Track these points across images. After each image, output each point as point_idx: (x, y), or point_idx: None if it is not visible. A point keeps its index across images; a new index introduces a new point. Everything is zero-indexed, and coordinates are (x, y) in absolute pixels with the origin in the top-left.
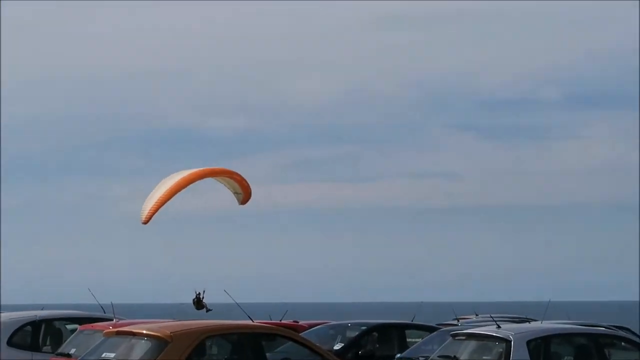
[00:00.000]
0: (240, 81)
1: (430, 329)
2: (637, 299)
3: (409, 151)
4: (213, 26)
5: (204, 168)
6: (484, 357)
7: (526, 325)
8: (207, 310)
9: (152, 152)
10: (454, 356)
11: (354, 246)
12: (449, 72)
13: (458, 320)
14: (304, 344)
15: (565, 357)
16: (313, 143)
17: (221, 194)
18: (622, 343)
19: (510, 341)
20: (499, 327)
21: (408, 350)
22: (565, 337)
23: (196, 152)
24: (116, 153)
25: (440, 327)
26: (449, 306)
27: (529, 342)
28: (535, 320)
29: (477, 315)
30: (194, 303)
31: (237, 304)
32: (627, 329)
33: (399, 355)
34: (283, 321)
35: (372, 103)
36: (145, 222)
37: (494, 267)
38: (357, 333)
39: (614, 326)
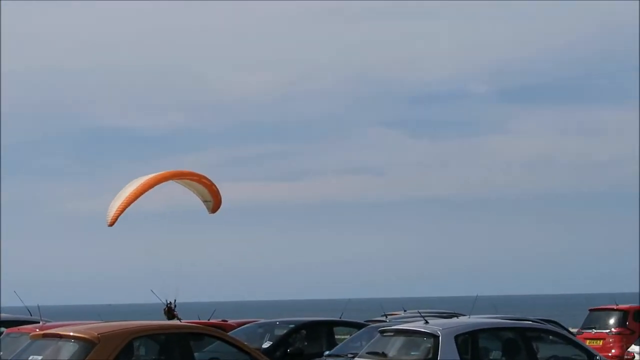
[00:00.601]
0: (174, 79)
1: (358, 326)
2: (558, 292)
3: (340, 148)
4: (146, 22)
5: (170, 171)
6: (412, 353)
7: (454, 320)
8: (180, 320)
9: (84, 152)
10: (382, 352)
11: (283, 244)
12: (379, 68)
13: (386, 317)
14: (232, 343)
15: (494, 352)
16: (246, 141)
17: (159, 194)
18: (550, 337)
19: (438, 336)
20: (426, 322)
21: (336, 347)
22: (493, 331)
23: (129, 151)
24: (48, 152)
25: (369, 323)
26: (378, 302)
27: (456, 337)
28: (463, 315)
29: (405, 311)
30: (165, 313)
31: (164, 303)
32: (556, 323)
33: (327, 352)
34: (212, 320)
35: (305, 100)
36: (111, 224)
37: (423, 263)
38: (285, 331)
39: (542, 320)
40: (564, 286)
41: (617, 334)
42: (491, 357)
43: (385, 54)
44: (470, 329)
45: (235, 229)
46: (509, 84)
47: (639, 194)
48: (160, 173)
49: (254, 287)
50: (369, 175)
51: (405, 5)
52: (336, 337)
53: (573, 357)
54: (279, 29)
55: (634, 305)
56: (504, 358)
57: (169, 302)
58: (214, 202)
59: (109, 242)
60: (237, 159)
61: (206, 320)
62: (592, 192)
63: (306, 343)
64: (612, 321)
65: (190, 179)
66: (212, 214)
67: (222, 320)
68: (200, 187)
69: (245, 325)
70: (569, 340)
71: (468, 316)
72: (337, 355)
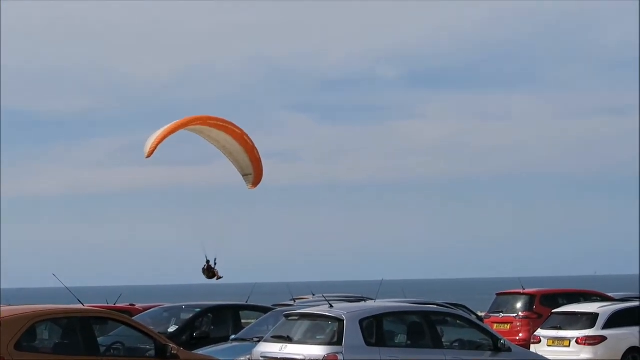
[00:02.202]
0: (78, 62)
1: (264, 310)
2: (467, 277)
3: (248, 131)
4: (50, 7)
5: (215, 117)
6: (318, 337)
7: (359, 304)
8: (218, 279)
9: None
10: (287, 336)
11: (192, 227)
12: (288, 52)
13: (294, 301)
14: (136, 327)
15: (399, 335)
16: (151, 124)
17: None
18: (458, 321)
19: (343, 320)
20: (331, 306)
21: (242, 331)
22: (397, 315)
23: (32, 134)
24: None
25: (276, 307)
26: (286, 287)
27: (361, 321)
28: (370, 300)
29: (314, 295)
30: (203, 272)
31: (67, 287)
32: (464, 307)
33: (233, 336)
34: (118, 304)
35: (212, 83)
36: (149, 156)
37: (332, 248)
38: (191, 315)
39: (450, 304)
40: (473, 270)
41: (524, 317)
42: (396, 341)
43: (294, 38)
44: (375, 313)
45: (141, 214)
46: (418, 68)
47: (544, 178)
48: (201, 116)
49: (159, 272)
50: (278, 160)
51: None
52: (243, 321)
53: (478, 341)
54: (185, 12)
55: (541, 289)
56: (408, 342)
57: (208, 259)
58: (255, 174)
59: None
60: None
61: (112, 305)
62: (499, 176)
63: (212, 327)
64: (519, 305)
65: (231, 131)
66: (252, 189)
67: (130, 305)
68: (242, 151)
69: (151, 310)
70: (474, 325)
71: (374, 300)
72: (243, 339)
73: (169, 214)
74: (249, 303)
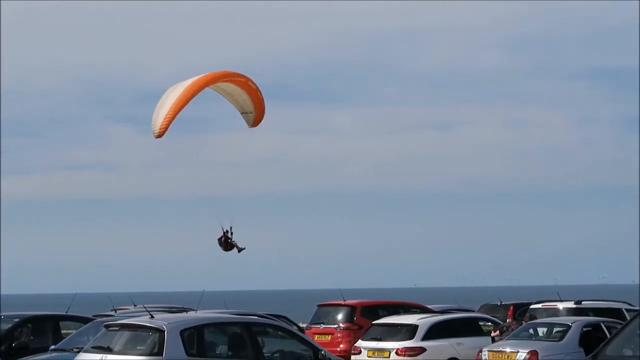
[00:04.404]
0: None
1: (85, 320)
2: (290, 288)
3: (69, 143)
4: None
5: (215, 72)
6: (138, 347)
7: (181, 315)
8: (240, 250)
9: None
10: (107, 347)
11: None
12: (108, 64)
13: (115, 311)
14: (294, 334)
15: (220, 346)
16: None
17: None
18: (278, 332)
19: (164, 331)
20: (152, 317)
21: (62, 341)
22: (218, 326)
23: None
24: None
25: (96, 318)
26: (107, 297)
27: (182, 332)
28: (192, 310)
29: (135, 305)
30: (220, 243)
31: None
32: (285, 318)
33: (53, 346)
34: None
35: (32, 96)
36: (160, 135)
37: (149, 260)
38: (10, 325)
39: (271, 315)
40: (294, 281)
41: (345, 329)
42: (217, 352)
43: (115, 52)
44: (196, 324)
45: None
46: None
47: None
48: (204, 75)
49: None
50: (99, 171)
51: (133, 6)
52: (63, 331)
53: (299, 352)
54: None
55: (362, 300)
56: (230, 352)
57: (225, 229)
58: (256, 113)
59: None
60: None
61: None
62: (327, 192)
63: (32, 337)
64: (340, 316)
65: (237, 81)
66: (253, 127)
67: None
68: (243, 93)
69: None
70: (294, 336)
71: (195, 311)
72: (63, 350)
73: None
74: (69, 313)
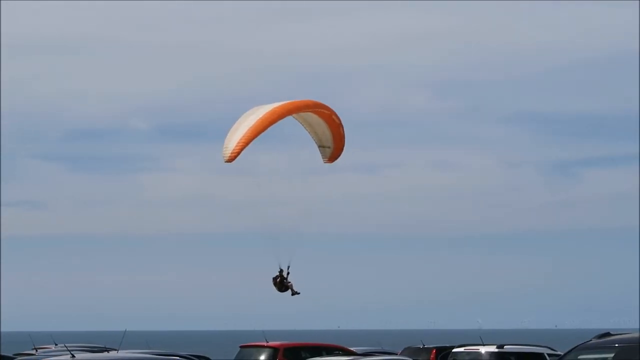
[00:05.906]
0: None
1: None
2: (212, 329)
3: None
4: None
5: (298, 101)
6: None
7: (102, 354)
8: (293, 294)
9: None
10: None
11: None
12: (37, 101)
13: (36, 350)
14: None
15: None
16: None
17: None
18: None
19: None
20: (73, 356)
21: None
22: None
23: None
24: None
25: (17, 357)
26: (28, 336)
27: None
28: (114, 350)
29: (56, 345)
30: (275, 283)
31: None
32: (207, 358)
33: None
34: None
35: None
36: (230, 160)
37: (70, 299)
38: None
39: (193, 355)
40: (219, 322)
41: None
42: None
43: (48, 86)
44: None
45: None
46: (169, 121)
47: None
48: (288, 102)
49: None
50: (28, 208)
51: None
52: None
53: None
54: None
55: (284, 342)
56: None
57: (281, 269)
58: (334, 148)
59: None
60: None
61: None
62: (247, 232)
63: None
64: (262, 358)
65: (321, 113)
66: (328, 163)
67: None
68: (325, 126)
69: None
70: None
71: (117, 351)
72: None
73: None
74: None
